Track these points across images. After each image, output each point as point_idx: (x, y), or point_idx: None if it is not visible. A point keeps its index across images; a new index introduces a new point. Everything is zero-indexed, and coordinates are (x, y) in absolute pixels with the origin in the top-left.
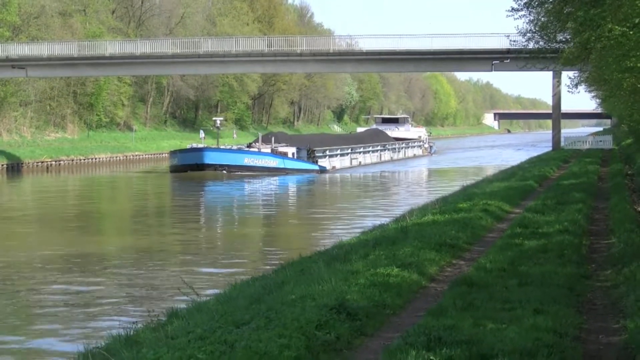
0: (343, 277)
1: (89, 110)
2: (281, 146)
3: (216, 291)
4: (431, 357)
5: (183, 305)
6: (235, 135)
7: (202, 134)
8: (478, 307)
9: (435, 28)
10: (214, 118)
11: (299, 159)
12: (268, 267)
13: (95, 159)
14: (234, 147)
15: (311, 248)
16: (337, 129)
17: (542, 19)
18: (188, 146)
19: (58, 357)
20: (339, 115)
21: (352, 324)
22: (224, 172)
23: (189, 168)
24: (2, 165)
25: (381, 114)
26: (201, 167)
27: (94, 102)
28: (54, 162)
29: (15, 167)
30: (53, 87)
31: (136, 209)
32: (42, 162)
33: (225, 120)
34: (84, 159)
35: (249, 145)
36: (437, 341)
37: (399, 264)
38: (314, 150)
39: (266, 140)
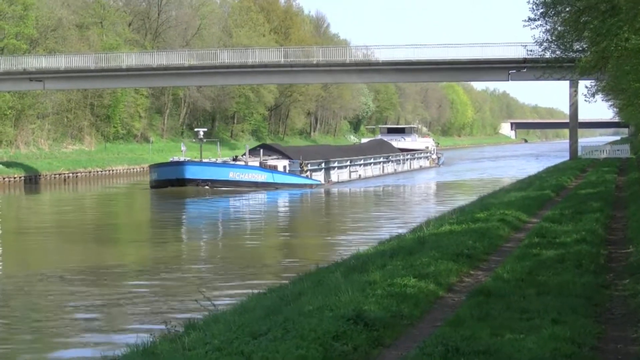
0: (360, 288)
1: (106, 122)
2: (271, 159)
3: (233, 302)
4: None
5: (200, 317)
6: (219, 150)
7: (183, 147)
8: (496, 317)
9: (451, 38)
10: (196, 129)
11: (291, 172)
12: (284, 278)
13: (113, 170)
14: (219, 161)
15: (321, 261)
16: (353, 139)
17: (559, 28)
18: (170, 159)
19: None
20: (355, 126)
21: (370, 334)
22: (207, 187)
23: (169, 183)
24: (20, 177)
25: (398, 124)
26: (182, 182)
27: (111, 114)
28: (71, 174)
29: (33, 179)
30: (70, 100)
31: (146, 221)
32: (59, 174)
33: (242, 131)
34: (101, 171)
35: (235, 159)
36: (455, 351)
37: (416, 274)
38: (308, 164)
39: (254, 152)
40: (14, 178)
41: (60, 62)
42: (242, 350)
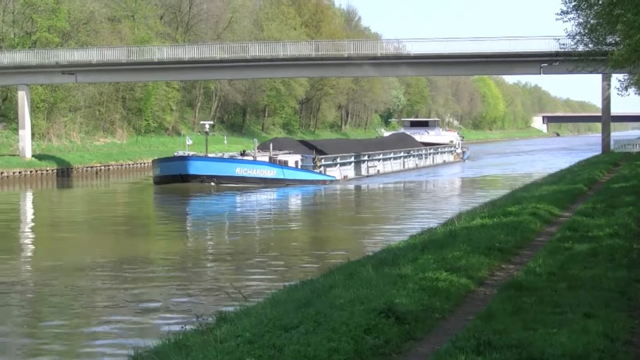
0: (391, 281)
1: (138, 116)
2: (282, 154)
3: (263, 294)
4: None
5: (231, 310)
6: (225, 144)
7: (188, 140)
8: (528, 311)
9: (483, 31)
10: (201, 122)
11: (303, 168)
12: (314, 272)
13: (144, 163)
14: (225, 156)
15: (351, 254)
16: (383, 132)
17: (592, 21)
18: (175, 154)
19: None
20: (387, 119)
21: (401, 328)
22: (212, 184)
23: (173, 179)
24: (53, 170)
25: (429, 117)
26: (186, 178)
27: (142, 107)
28: (103, 167)
29: (65, 172)
30: (102, 93)
31: (174, 214)
32: (91, 167)
33: (273, 124)
34: (133, 164)
35: (243, 153)
36: (487, 345)
37: (447, 268)
38: (321, 159)
39: (264, 147)
40: (47, 171)
41: (92, 55)
42: (274, 343)
